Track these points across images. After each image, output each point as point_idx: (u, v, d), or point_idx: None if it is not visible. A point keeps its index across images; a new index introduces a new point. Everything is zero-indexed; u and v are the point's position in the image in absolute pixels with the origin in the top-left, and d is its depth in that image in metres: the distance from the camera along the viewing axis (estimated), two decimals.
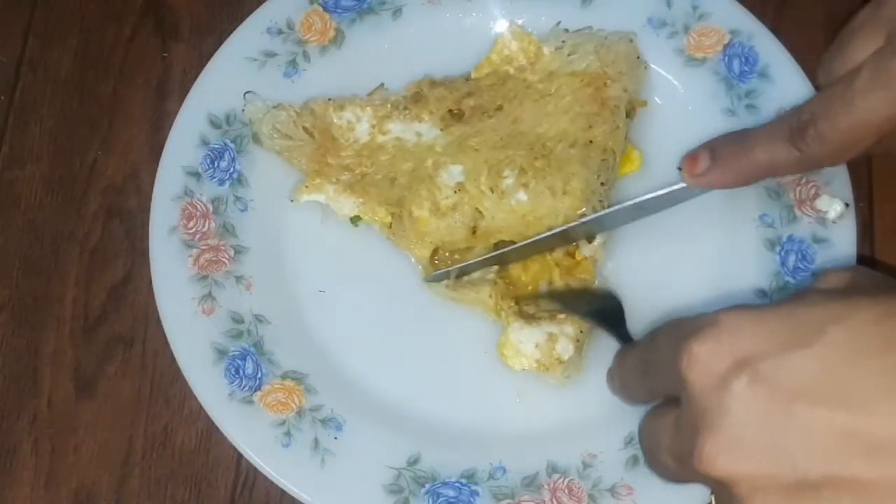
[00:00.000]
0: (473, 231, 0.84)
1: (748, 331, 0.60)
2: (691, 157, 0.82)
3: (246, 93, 0.89)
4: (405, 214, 0.84)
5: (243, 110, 0.88)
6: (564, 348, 0.82)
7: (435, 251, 0.85)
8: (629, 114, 0.88)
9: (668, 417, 0.65)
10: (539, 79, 0.89)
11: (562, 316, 0.83)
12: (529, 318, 0.83)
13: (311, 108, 0.88)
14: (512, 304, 0.84)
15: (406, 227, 0.85)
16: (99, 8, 0.97)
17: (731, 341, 0.60)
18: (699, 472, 0.60)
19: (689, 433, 0.61)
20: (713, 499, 0.63)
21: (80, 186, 0.92)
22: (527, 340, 0.82)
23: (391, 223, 0.85)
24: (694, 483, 0.64)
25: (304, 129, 0.87)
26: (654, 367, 0.68)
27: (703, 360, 0.60)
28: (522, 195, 0.84)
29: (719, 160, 0.80)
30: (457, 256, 0.86)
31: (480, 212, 0.84)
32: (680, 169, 0.83)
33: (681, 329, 0.63)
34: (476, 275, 0.85)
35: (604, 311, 0.82)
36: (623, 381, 0.75)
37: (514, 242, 0.84)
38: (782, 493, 0.58)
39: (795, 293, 0.64)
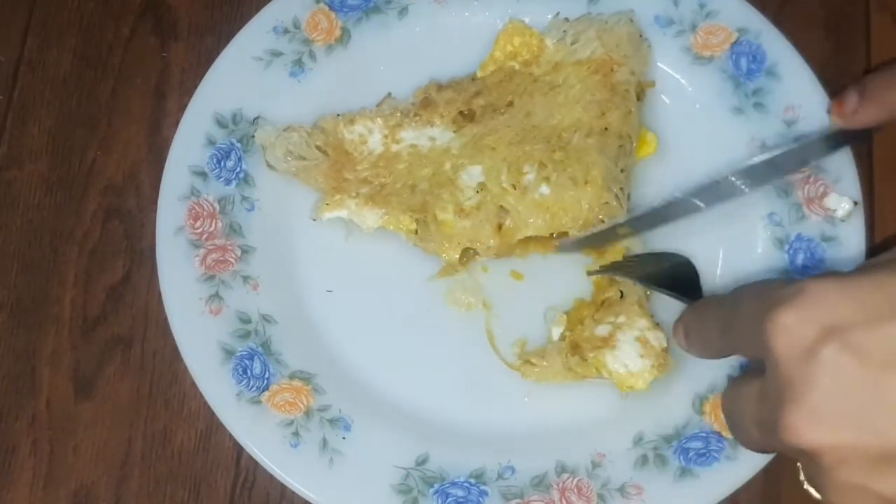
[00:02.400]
0: (499, 228, 0.84)
1: (837, 299, 0.58)
2: (839, 100, 0.81)
3: (256, 118, 0.88)
4: (430, 219, 0.84)
5: (254, 136, 0.87)
6: (657, 338, 0.81)
7: (464, 252, 0.85)
8: (639, 96, 0.88)
9: (753, 386, 0.63)
10: (545, 71, 0.89)
11: (622, 318, 0.82)
12: (606, 344, 0.81)
13: (321, 127, 0.88)
14: (576, 357, 0.82)
15: (432, 231, 0.84)
16: (98, 8, 0.96)
17: (820, 310, 0.58)
18: (784, 443, 0.59)
19: (774, 403, 0.60)
20: (801, 467, 0.62)
21: (80, 186, 0.91)
22: (628, 360, 0.80)
23: (416, 230, 0.85)
24: (779, 451, 0.64)
25: (317, 147, 0.87)
26: (736, 328, 0.66)
27: (791, 329, 0.59)
28: (545, 188, 0.84)
29: (869, 96, 0.79)
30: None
31: (505, 208, 0.84)
32: (829, 113, 0.82)
33: (767, 294, 0.61)
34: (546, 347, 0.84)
35: (677, 277, 0.81)
36: (702, 336, 0.72)
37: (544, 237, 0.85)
38: (869, 464, 0.57)
39: (877, 261, 0.62)
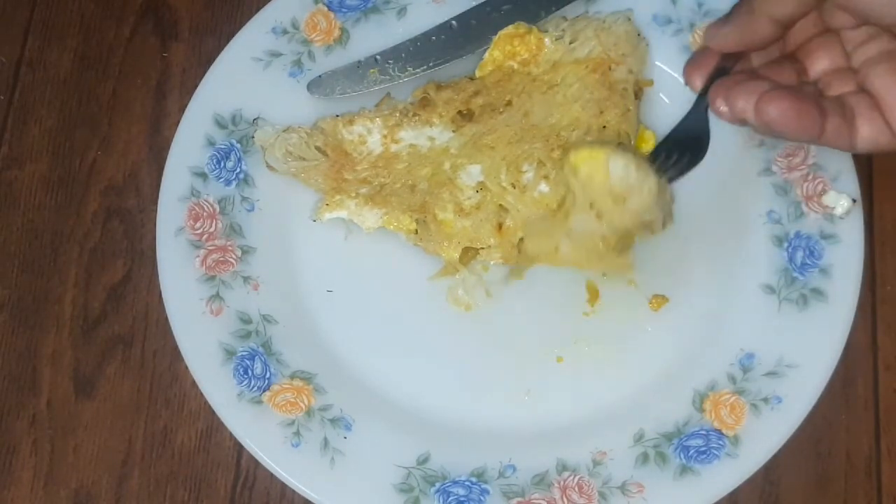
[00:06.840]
0: (500, 227, 0.84)
1: None
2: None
3: (255, 119, 0.88)
4: (430, 219, 0.84)
5: (253, 137, 0.87)
6: None
7: (465, 251, 0.85)
8: (637, 95, 0.88)
9: None
10: (544, 70, 0.89)
11: None
12: None
13: (320, 127, 0.88)
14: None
15: (432, 231, 0.84)
16: (99, 8, 0.96)
17: None
18: None
19: None
20: None
21: (80, 186, 0.91)
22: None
23: (416, 230, 0.85)
24: None
25: (317, 148, 0.87)
26: None
27: None
28: (544, 187, 0.84)
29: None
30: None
31: (504, 207, 0.84)
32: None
33: None
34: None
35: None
36: None
37: None
38: None
39: None
